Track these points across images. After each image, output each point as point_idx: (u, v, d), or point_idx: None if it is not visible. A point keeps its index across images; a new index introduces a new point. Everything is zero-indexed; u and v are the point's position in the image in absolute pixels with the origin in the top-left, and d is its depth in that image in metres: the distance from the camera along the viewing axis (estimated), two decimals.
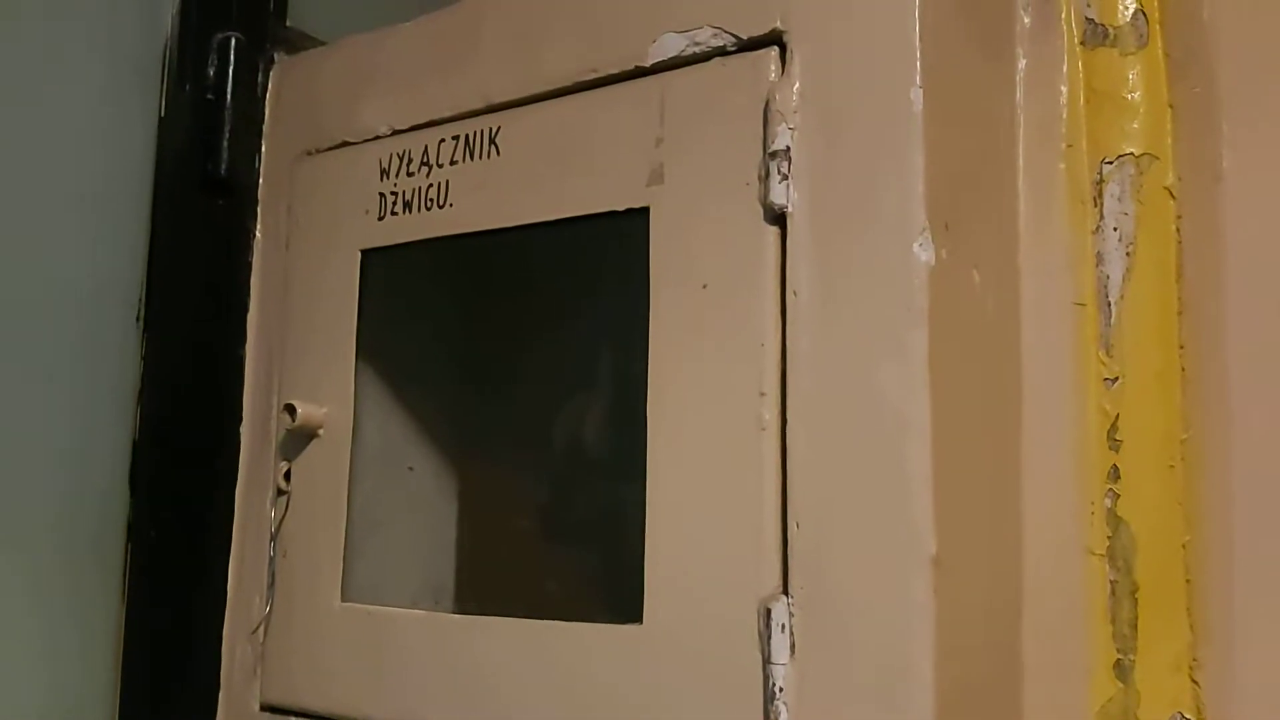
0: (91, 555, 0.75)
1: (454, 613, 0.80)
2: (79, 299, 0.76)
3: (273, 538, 0.75)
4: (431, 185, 0.71)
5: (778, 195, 0.57)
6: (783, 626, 0.53)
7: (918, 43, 0.55)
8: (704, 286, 0.59)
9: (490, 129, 0.69)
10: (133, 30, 0.79)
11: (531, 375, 0.85)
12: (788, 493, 0.54)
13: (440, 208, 0.71)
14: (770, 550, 0.54)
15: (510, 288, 0.84)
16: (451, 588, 0.84)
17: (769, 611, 0.54)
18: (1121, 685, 0.57)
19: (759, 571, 0.54)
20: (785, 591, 0.54)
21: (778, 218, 0.57)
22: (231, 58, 0.80)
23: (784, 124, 0.57)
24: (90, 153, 0.77)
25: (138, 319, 0.78)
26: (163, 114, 0.80)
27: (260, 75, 0.82)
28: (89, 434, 0.75)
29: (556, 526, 0.84)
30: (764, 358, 0.56)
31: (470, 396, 0.86)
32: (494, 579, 0.84)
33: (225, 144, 0.80)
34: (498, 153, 0.69)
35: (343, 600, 0.71)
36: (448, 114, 0.71)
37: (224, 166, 0.80)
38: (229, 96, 0.80)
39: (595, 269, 0.76)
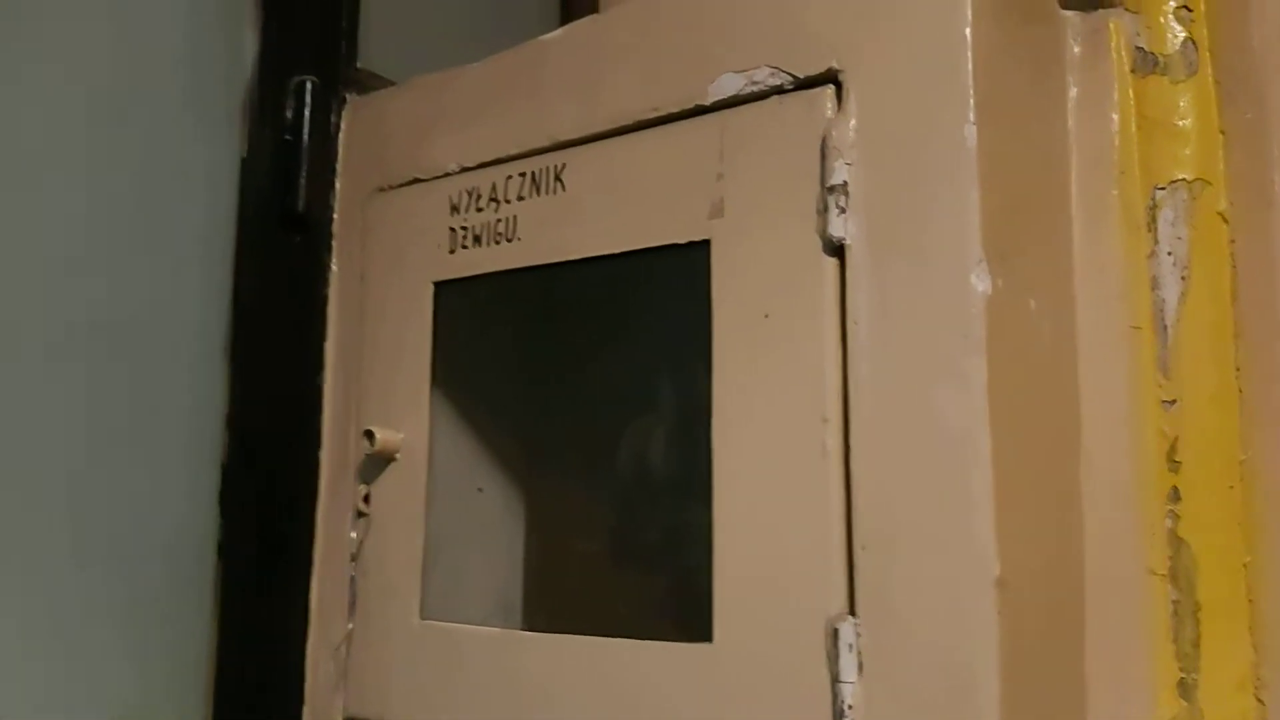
0: (186, 574, 0.79)
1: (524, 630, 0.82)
2: (174, 334, 0.80)
3: (353, 558, 0.79)
4: (500, 220, 0.74)
5: (836, 228, 0.59)
6: (850, 646, 0.55)
7: (970, 80, 0.56)
8: (765, 316, 0.61)
9: (556, 166, 0.72)
10: (217, 77, 0.84)
11: (596, 400, 0.88)
12: (852, 516, 0.56)
13: (509, 242, 0.74)
14: (837, 572, 0.56)
15: (577, 317, 0.86)
16: (520, 606, 0.87)
17: (836, 631, 0.55)
18: (1185, 704, 0.58)
19: (826, 593, 0.56)
20: (852, 612, 0.55)
21: (836, 249, 0.59)
22: (308, 99, 0.84)
23: (841, 159, 0.59)
24: (184, 193, 0.82)
25: (225, 350, 0.83)
26: (245, 155, 0.84)
27: (334, 115, 0.85)
28: (183, 460, 0.80)
29: (623, 547, 0.86)
30: (825, 385, 0.58)
31: (537, 421, 0.88)
32: (562, 598, 0.86)
33: (302, 182, 0.83)
34: (564, 189, 0.72)
35: (421, 618, 0.74)
36: (514, 152, 0.74)
37: (301, 203, 0.83)
38: (305, 136, 0.84)
39: (659, 298, 0.78)
